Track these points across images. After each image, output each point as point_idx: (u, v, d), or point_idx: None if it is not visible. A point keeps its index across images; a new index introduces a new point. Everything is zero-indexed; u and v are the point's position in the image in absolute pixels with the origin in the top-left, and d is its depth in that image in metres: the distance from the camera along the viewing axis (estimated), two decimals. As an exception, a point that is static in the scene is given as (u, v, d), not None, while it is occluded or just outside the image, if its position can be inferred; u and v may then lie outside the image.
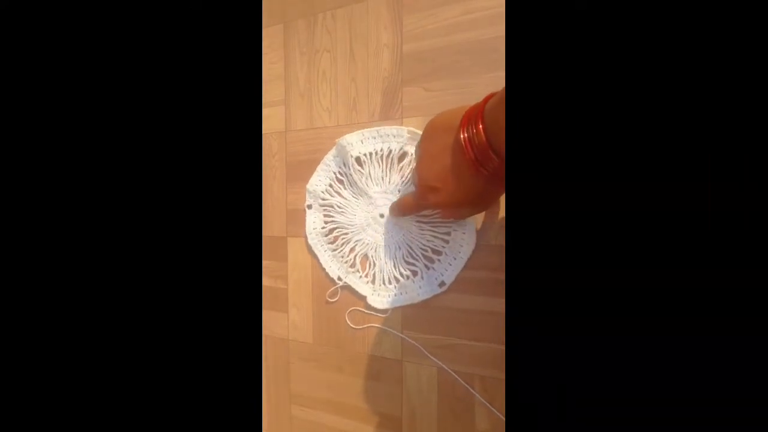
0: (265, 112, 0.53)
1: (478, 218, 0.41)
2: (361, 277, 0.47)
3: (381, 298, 0.46)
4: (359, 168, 0.45)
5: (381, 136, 0.44)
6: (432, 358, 0.43)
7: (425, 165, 0.33)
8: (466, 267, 0.41)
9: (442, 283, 0.42)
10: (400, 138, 0.43)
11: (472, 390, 0.41)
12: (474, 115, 0.28)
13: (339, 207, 0.48)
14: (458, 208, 0.33)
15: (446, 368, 0.43)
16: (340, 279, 0.48)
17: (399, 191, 0.44)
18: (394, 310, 0.45)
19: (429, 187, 0.33)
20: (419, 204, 0.37)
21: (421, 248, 0.43)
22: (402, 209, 0.40)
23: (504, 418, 0.40)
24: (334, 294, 0.49)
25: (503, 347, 0.40)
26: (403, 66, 0.44)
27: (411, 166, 0.43)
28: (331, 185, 0.48)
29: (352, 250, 0.47)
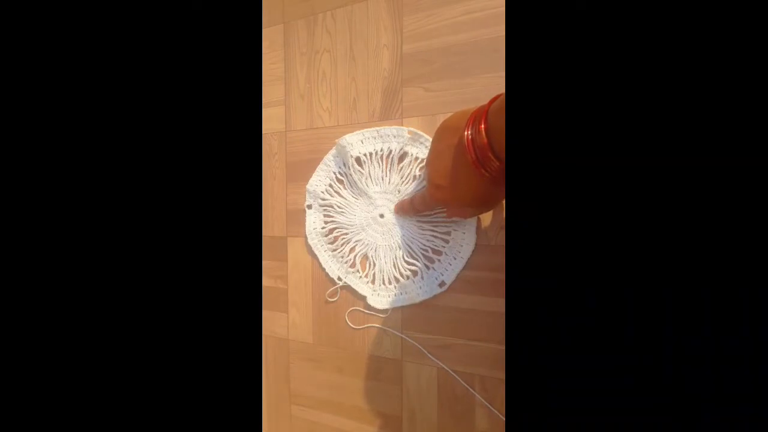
0: (265, 112, 0.53)
1: (479, 218, 0.41)
2: (361, 277, 0.47)
3: (381, 298, 0.46)
4: (359, 168, 0.45)
5: (381, 137, 0.44)
6: (432, 358, 0.43)
7: (433, 163, 0.33)
8: (466, 267, 0.41)
9: (442, 283, 0.42)
10: (400, 138, 0.43)
11: (472, 390, 0.41)
12: (479, 115, 0.28)
13: (339, 207, 0.48)
14: (462, 207, 0.33)
15: (446, 368, 0.43)
16: (340, 279, 0.48)
17: (399, 191, 0.44)
18: (394, 310, 0.45)
19: (436, 185, 0.33)
20: (426, 202, 0.38)
21: (421, 248, 0.44)
22: (413, 206, 0.40)
23: (504, 418, 0.40)
24: (334, 294, 0.49)
25: (503, 347, 0.40)
26: (403, 66, 0.44)
27: (411, 166, 0.43)
28: (331, 185, 0.48)
29: (352, 250, 0.47)
